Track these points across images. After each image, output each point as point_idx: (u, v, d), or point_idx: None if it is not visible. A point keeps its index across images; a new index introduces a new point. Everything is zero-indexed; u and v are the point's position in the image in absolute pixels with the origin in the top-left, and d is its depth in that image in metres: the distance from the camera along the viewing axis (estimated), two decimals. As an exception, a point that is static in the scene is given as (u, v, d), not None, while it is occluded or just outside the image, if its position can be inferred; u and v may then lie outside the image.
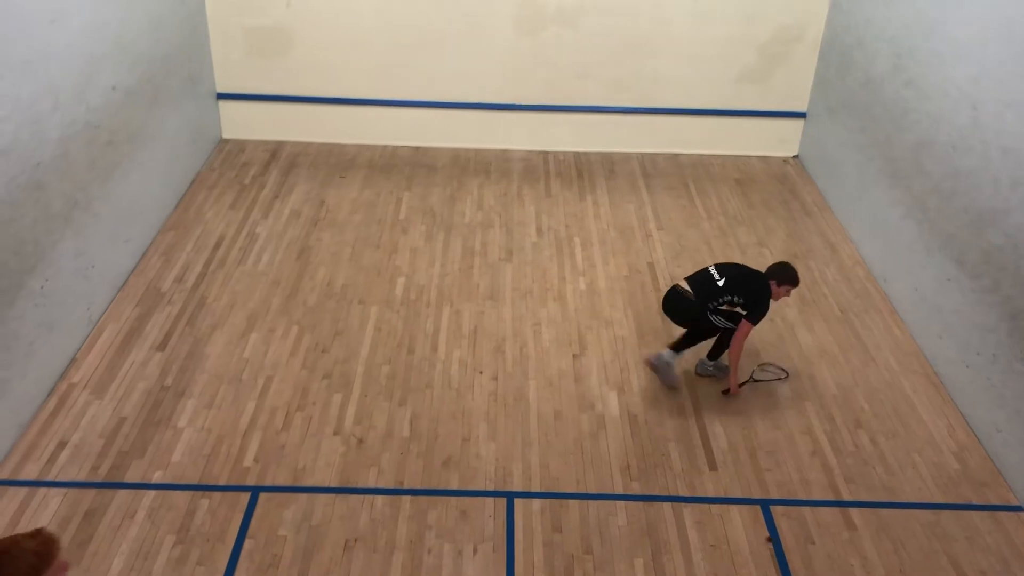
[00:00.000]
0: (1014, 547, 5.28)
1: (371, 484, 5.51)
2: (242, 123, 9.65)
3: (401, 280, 7.48)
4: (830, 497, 5.56)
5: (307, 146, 9.67)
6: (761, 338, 6.91)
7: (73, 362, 6.33)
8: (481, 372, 6.48)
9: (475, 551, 5.09)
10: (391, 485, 5.51)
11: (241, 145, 9.59)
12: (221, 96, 9.49)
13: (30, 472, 5.45)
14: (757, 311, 6.07)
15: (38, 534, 2.94)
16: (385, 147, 9.74)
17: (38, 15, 5.78)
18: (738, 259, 7.92)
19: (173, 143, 8.29)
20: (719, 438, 5.98)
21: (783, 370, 6.56)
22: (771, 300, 6.13)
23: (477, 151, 9.74)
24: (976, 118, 6.33)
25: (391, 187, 8.94)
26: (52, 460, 5.54)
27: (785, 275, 6.15)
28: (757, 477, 5.69)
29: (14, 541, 2.88)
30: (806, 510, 5.46)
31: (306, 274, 7.50)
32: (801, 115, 9.66)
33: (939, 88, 6.87)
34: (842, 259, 8.03)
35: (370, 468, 5.63)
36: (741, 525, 5.33)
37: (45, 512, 5.18)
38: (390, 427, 5.95)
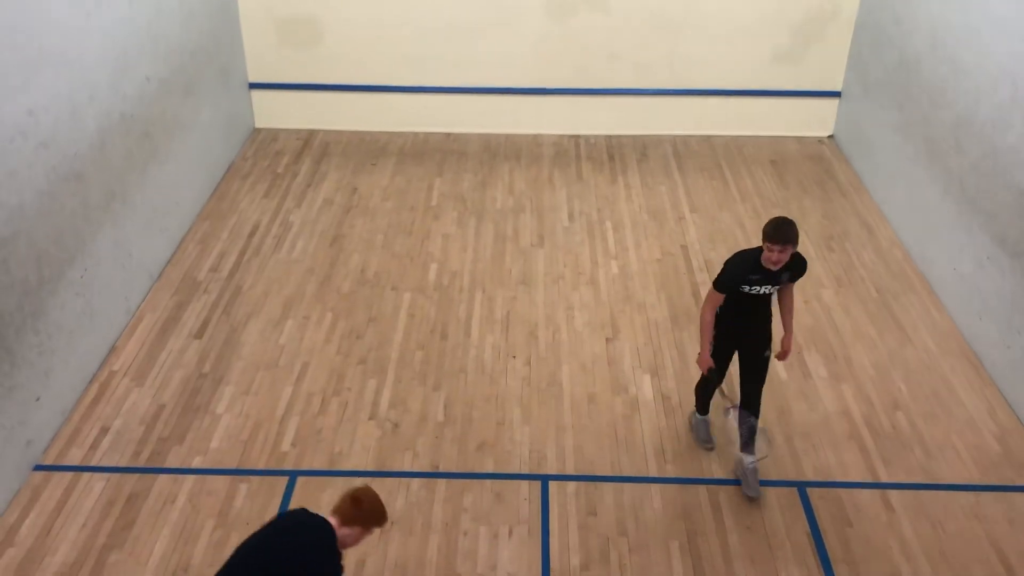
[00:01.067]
0: (1057, 529, 5.20)
1: (407, 468, 5.55)
2: (274, 112, 9.72)
3: (434, 266, 7.50)
4: (868, 479, 5.51)
5: (339, 134, 9.72)
6: (798, 321, 6.84)
7: (113, 350, 6.44)
8: (514, 357, 6.49)
9: (510, 533, 5.12)
10: (426, 469, 5.55)
11: (274, 134, 9.67)
12: (253, 86, 9.57)
13: (74, 457, 5.57)
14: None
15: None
16: (416, 134, 9.76)
17: (73, 9, 5.86)
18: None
19: (207, 133, 8.38)
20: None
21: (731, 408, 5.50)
22: (739, 262, 5.13)
23: (508, 136, 9.73)
24: (1016, 95, 6.20)
25: (422, 173, 8.96)
26: (95, 446, 5.66)
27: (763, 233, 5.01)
28: (794, 459, 5.66)
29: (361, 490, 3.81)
30: (843, 492, 5.42)
31: (339, 261, 7.55)
32: (836, 94, 9.52)
33: (978, 64, 6.74)
34: (879, 240, 7.92)
35: (405, 452, 5.68)
36: (778, 507, 5.30)
37: (89, 496, 5.29)
38: (425, 412, 5.99)
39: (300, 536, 3.68)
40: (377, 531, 3.93)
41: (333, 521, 3.73)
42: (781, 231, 4.87)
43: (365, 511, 3.75)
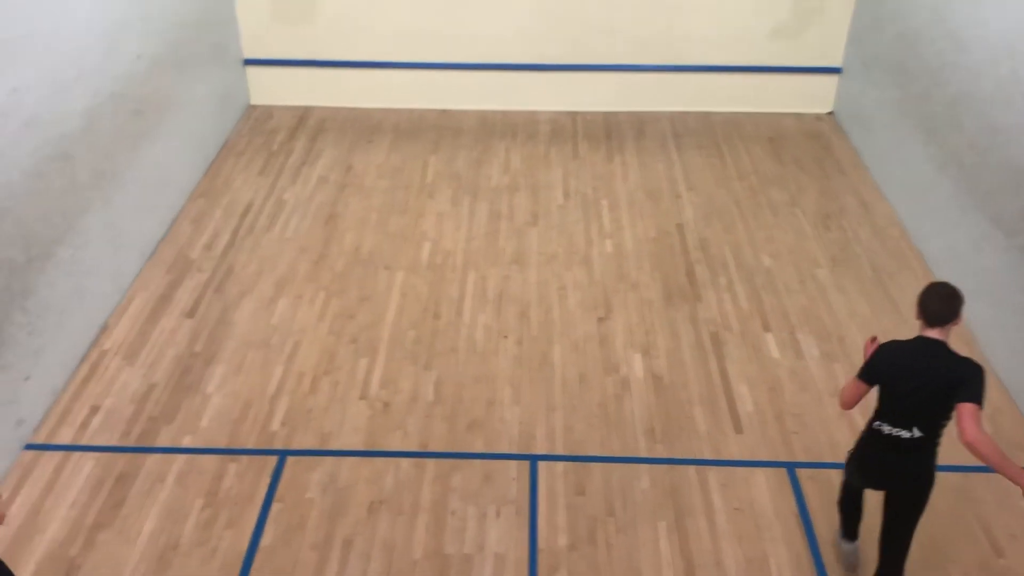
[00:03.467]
0: (1047, 510, 5.19)
1: (396, 447, 5.56)
2: (269, 89, 9.66)
3: (427, 245, 7.47)
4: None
5: (334, 111, 9.66)
6: (793, 301, 6.81)
7: (104, 329, 6.44)
8: (506, 336, 6.47)
9: (498, 513, 5.12)
10: (416, 448, 5.55)
11: (269, 111, 9.61)
12: (248, 62, 9.50)
13: (64, 437, 5.58)
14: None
15: None
16: (412, 111, 9.69)
17: (59, -15, 5.80)
18: (769, 220, 7.80)
19: (201, 110, 8.33)
20: (745, 400, 5.92)
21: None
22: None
23: (504, 113, 9.66)
24: (1016, 70, 6.10)
25: (417, 151, 8.91)
26: (85, 425, 5.67)
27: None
28: (783, 439, 5.64)
29: None
30: (833, 473, 5.40)
31: (333, 240, 7.52)
32: (836, 71, 9.41)
33: (978, 40, 6.64)
34: (876, 218, 7.86)
35: (395, 431, 5.68)
36: (767, 488, 5.30)
37: (79, 476, 5.31)
38: (415, 391, 5.99)
39: None
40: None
41: None
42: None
43: None
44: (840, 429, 5.70)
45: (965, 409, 3.90)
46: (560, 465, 5.44)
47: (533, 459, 5.47)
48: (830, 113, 9.64)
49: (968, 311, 6.48)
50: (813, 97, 9.59)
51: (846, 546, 4.81)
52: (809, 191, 8.27)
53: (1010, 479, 3.92)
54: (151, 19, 7.16)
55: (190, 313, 6.66)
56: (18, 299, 5.37)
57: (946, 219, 6.94)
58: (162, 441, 5.58)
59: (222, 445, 5.56)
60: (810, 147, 9.03)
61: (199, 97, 8.26)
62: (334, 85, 9.62)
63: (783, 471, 5.43)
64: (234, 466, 5.41)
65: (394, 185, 8.32)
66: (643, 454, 5.52)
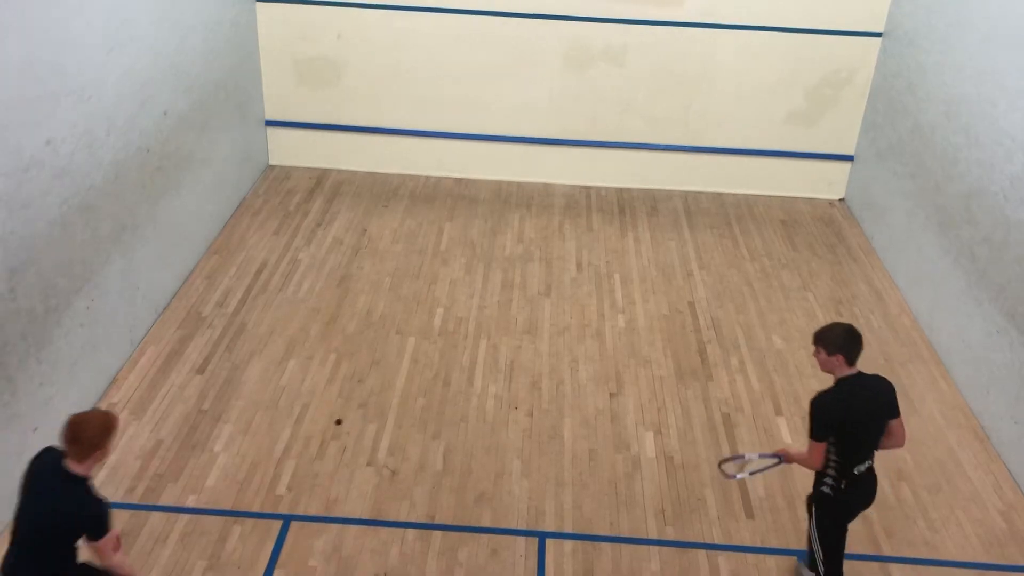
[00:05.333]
0: (1062, 613, 5.10)
1: (403, 517, 5.48)
2: (289, 150, 9.79)
3: (440, 311, 7.48)
4: (870, 551, 5.42)
5: (352, 174, 9.77)
6: (804, 385, 6.80)
7: (114, 382, 6.41)
8: (516, 407, 6.44)
9: (505, 591, 5.03)
10: (423, 519, 5.47)
11: (287, 172, 9.72)
12: (269, 123, 9.64)
13: (67, 491, 5.50)
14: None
15: (103, 410, 3.99)
16: (428, 178, 9.81)
17: (97, 45, 5.92)
18: (781, 303, 7.83)
19: (221, 168, 8.42)
20: (756, 485, 5.86)
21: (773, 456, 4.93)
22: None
23: (520, 184, 9.77)
24: (1030, 168, 6.21)
25: (433, 217, 8.99)
26: (89, 479, 5.59)
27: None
28: (795, 527, 5.57)
29: (87, 412, 3.88)
30: (845, 564, 5.29)
31: (346, 302, 7.53)
32: (849, 158, 9.56)
33: (991, 136, 6.76)
34: (888, 306, 7.89)
35: (402, 500, 5.60)
36: (777, 575, 5.22)
37: (80, 531, 5.22)
38: (423, 460, 5.93)
39: (59, 505, 3.73)
40: (116, 432, 3.86)
41: (77, 469, 3.74)
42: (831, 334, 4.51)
43: (91, 437, 3.73)
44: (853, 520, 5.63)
45: (899, 422, 4.58)
46: (568, 544, 5.35)
47: (541, 536, 5.39)
48: (842, 199, 9.75)
49: (980, 405, 6.52)
50: (825, 183, 9.72)
51: None
52: (821, 276, 8.32)
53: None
54: (181, 78, 7.29)
55: (200, 369, 6.63)
56: (33, 349, 5.36)
57: (959, 311, 6.97)
58: (167, 499, 5.50)
59: (227, 506, 5.48)
60: (822, 232, 9.11)
61: (220, 155, 8.36)
62: (352, 149, 9.76)
63: (794, 559, 5.34)
64: (238, 528, 5.33)
65: (408, 250, 8.38)
66: (653, 535, 5.44)
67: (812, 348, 4.53)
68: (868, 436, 4.52)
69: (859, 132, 9.40)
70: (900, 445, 4.63)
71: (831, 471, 4.57)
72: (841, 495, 4.60)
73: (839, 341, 4.42)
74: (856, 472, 4.53)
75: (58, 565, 3.84)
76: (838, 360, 4.43)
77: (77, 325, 5.86)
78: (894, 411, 4.54)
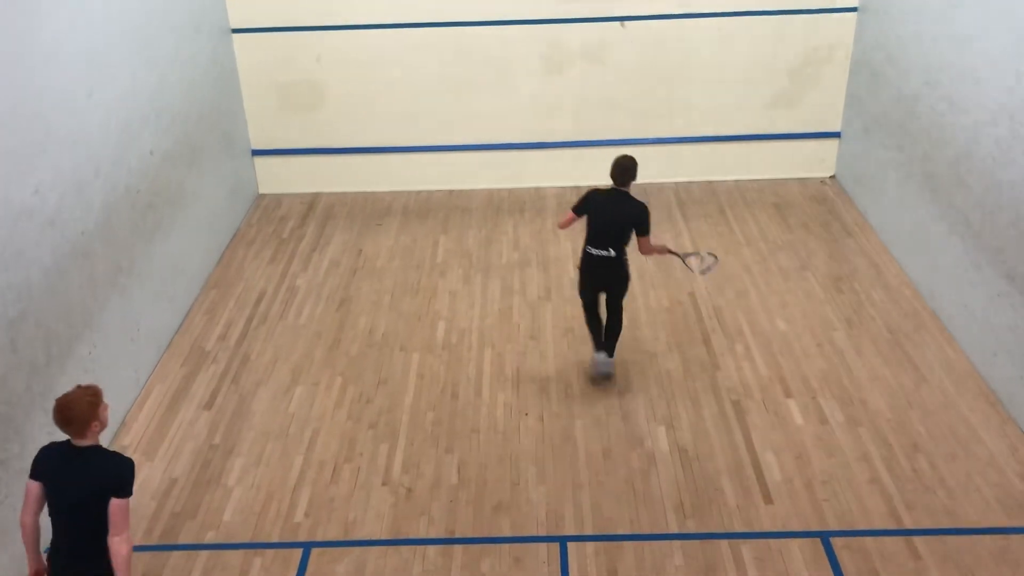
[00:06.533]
0: (1090, 570, 5.08)
1: (422, 534, 5.47)
2: (278, 178, 9.80)
3: (441, 324, 7.48)
4: (892, 526, 5.41)
5: (342, 196, 9.78)
6: (812, 365, 6.79)
7: (123, 425, 6.41)
8: (527, 414, 6.43)
9: (531, 599, 5.02)
10: (442, 534, 5.46)
11: (278, 199, 9.73)
12: (256, 152, 9.65)
13: (86, 537, 5.49)
14: (647, 224, 6.33)
15: (82, 385, 4.05)
16: (419, 192, 9.81)
17: (76, 90, 5.93)
18: (781, 285, 7.83)
19: (211, 202, 8.43)
20: (772, 469, 5.85)
21: (711, 256, 6.79)
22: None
23: (511, 191, 9.78)
24: (1015, 129, 6.20)
25: (427, 232, 8.99)
26: (106, 524, 5.58)
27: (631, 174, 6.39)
28: (815, 508, 5.56)
29: (70, 393, 3.99)
30: (868, 540, 5.31)
31: (347, 324, 7.53)
32: (836, 135, 9.56)
33: (975, 101, 6.76)
34: (888, 279, 7.88)
35: (420, 517, 5.59)
36: (802, 559, 5.20)
37: (102, 577, 5.20)
38: (438, 475, 5.92)
39: (87, 472, 3.98)
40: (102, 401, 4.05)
41: (83, 443, 3.99)
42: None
43: (81, 413, 3.94)
44: (872, 494, 5.63)
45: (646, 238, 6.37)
46: (590, 545, 5.34)
47: (563, 540, 5.38)
48: (832, 177, 9.75)
49: (988, 369, 6.51)
50: (815, 161, 9.72)
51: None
52: (818, 255, 8.31)
53: (670, 254, 6.59)
54: (163, 115, 7.30)
55: (207, 405, 6.63)
56: (39, 400, 5.35)
57: (959, 278, 6.97)
58: (185, 537, 5.49)
59: (246, 539, 5.47)
60: (816, 211, 9.11)
61: (209, 189, 8.37)
62: (341, 171, 9.76)
63: (817, 541, 5.33)
64: (259, 560, 5.31)
65: (405, 266, 8.38)
66: (674, 530, 5.43)
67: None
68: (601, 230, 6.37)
69: (844, 108, 9.41)
70: (641, 251, 6.47)
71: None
72: (581, 262, 6.59)
73: (611, 166, 6.36)
74: (588, 252, 6.41)
75: (101, 539, 3.99)
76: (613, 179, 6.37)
77: (81, 371, 5.86)
78: (629, 226, 6.36)
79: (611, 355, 6.61)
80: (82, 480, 3.96)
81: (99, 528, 3.97)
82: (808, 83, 9.35)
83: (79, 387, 4.04)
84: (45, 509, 4.10)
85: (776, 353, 6.97)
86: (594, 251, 6.35)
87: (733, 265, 8.19)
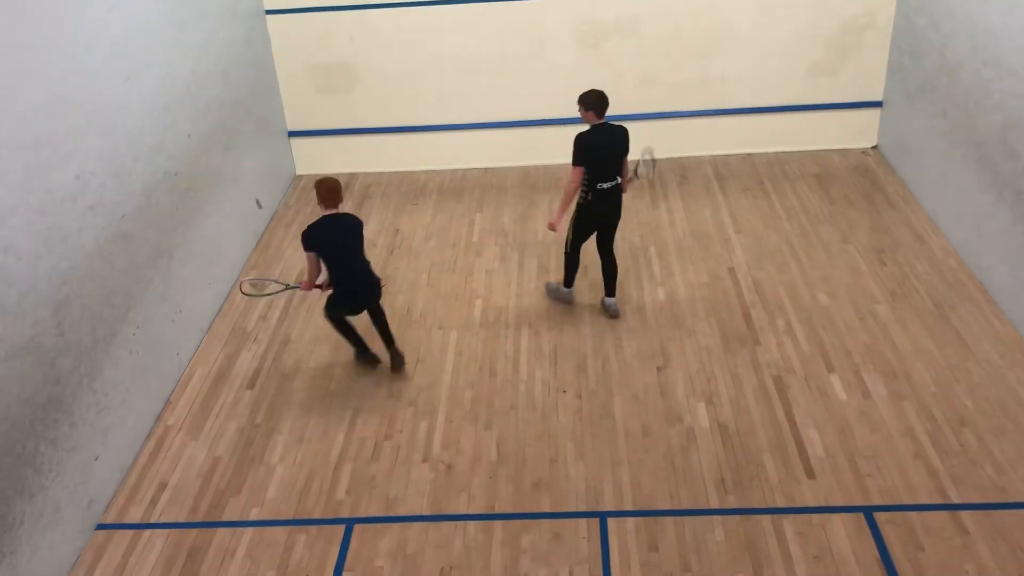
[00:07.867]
0: None
1: (462, 510, 5.50)
2: (314, 158, 9.85)
3: (479, 303, 7.49)
4: (938, 501, 5.33)
5: (378, 176, 9.80)
6: (855, 339, 6.69)
7: (168, 405, 6.52)
8: (564, 391, 6.42)
9: (571, 574, 5.03)
10: (482, 510, 5.49)
11: (314, 180, 9.75)
12: (292, 134, 9.70)
13: (134, 515, 5.61)
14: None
15: (326, 176, 6.37)
16: (455, 171, 9.80)
17: (114, 75, 6.00)
18: (823, 259, 7.71)
19: (250, 184, 8.50)
20: (815, 444, 5.79)
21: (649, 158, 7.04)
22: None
23: (546, 167, 9.73)
24: (1066, 93, 6.02)
25: (463, 210, 8.98)
26: (154, 502, 5.70)
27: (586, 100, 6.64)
28: (858, 483, 5.49)
29: (326, 178, 6.33)
30: (913, 515, 5.24)
31: (385, 303, 7.51)
32: (877, 104, 9.36)
33: (1022, 64, 6.57)
34: (932, 250, 7.73)
35: (460, 494, 5.63)
36: (845, 534, 5.15)
37: (151, 554, 5.33)
38: (477, 451, 5.95)
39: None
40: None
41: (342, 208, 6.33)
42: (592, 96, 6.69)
43: (336, 186, 6.28)
44: (917, 469, 5.55)
45: (626, 159, 6.81)
46: (630, 521, 5.34)
47: (603, 516, 5.38)
48: (875, 147, 9.56)
49: (1039, 341, 6.34)
50: (856, 132, 9.54)
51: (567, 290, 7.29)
52: (860, 227, 8.17)
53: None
54: (199, 99, 7.36)
55: (250, 384, 6.71)
56: (86, 380, 5.46)
57: (1006, 247, 6.80)
58: (230, 515, 5.59)
59: (289, 516, 5.55)
60: (857, 182, 8.95)
61: (247, 171, 8.44)
62: (377, 151, 9.78)
63: (860, 516, 5.27)
64: (303, 537, 5.39)
65: (442, 244, 8.39)
66: (715, 505, 5.40)
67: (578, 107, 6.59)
68: (606, 163, 6.62)
69: (885, 76, 9.20)
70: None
71: (584, 188, 6.64)
72: (587, 204, 6.72)
73: (591, 101, 6.59)
74: (598, 188, 6.61)
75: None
76: (591, 115, 6.60)
77: (126, 353, 5.96)
78: (626, 150, 6.69)
79: (614, 295, 7.12)
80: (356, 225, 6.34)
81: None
82: (848, 51, 9.15)
83: (326, 177, 6.23)
84: None
85: (818, 327, 6.88)
86: (604, 185, 6.62)
87: (773, 239, 8.08)
